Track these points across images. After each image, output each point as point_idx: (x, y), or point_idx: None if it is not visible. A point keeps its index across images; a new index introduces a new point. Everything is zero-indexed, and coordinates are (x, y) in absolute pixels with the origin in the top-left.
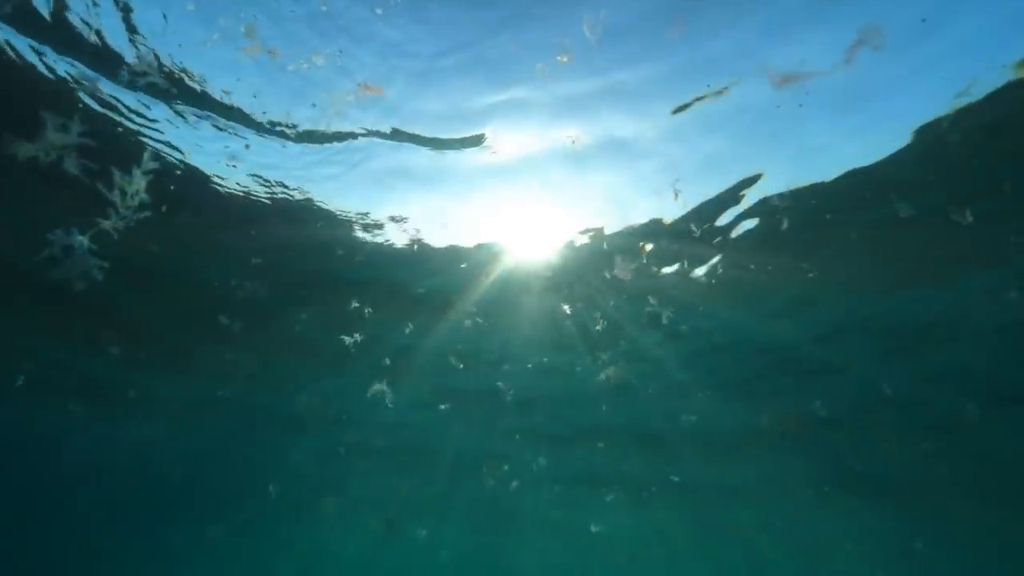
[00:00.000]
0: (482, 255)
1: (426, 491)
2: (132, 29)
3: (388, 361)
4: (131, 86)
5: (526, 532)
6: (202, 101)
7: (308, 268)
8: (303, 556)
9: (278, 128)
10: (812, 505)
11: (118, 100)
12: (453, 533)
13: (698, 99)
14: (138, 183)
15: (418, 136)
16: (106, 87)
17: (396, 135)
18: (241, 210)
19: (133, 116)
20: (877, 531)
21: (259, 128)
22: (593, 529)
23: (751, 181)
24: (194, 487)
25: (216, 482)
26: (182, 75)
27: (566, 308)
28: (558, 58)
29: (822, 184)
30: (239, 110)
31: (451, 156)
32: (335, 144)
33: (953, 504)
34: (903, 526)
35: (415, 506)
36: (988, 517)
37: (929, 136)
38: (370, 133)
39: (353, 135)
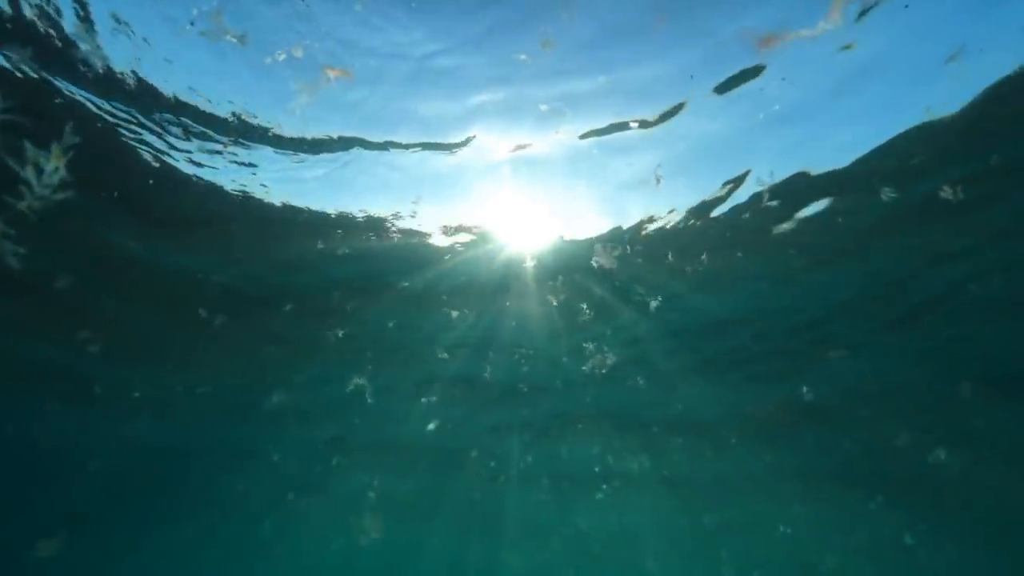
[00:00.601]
0: (471, 249)
1: (410, 488)
2: (90, 22)
3: (371, 355)
4: (99, 87)
5: (515, 530)
6: (179, 105)
7: (292, 264)
8: (282, 557)
9: (262, 131)
10: (805, 498)
11: (88, 97)
12: (439, 530)
13: (692, 95)
14: (56, 160)
15: (406, 141)
16: (73, 87)
17: (385, 145)
18: (226, 207)
19: (105, 115)
20: (870, 525)
21: (244, 130)
22: (583, 526)
23: (743, 175)
24: (172, 485)
25: (194, 480)
26: (153, 77)
27: (553, 300)
28: (543, 48)
29: (814, 174)
30: (222, 115)
31: (440, 154)
32: (320, 145)
33: (951, 496)
34: (899, 520)
35: (399, 504)
36: (987, 510)
37: (920, 118)
38: (355, 140)
39: (342, 137)
